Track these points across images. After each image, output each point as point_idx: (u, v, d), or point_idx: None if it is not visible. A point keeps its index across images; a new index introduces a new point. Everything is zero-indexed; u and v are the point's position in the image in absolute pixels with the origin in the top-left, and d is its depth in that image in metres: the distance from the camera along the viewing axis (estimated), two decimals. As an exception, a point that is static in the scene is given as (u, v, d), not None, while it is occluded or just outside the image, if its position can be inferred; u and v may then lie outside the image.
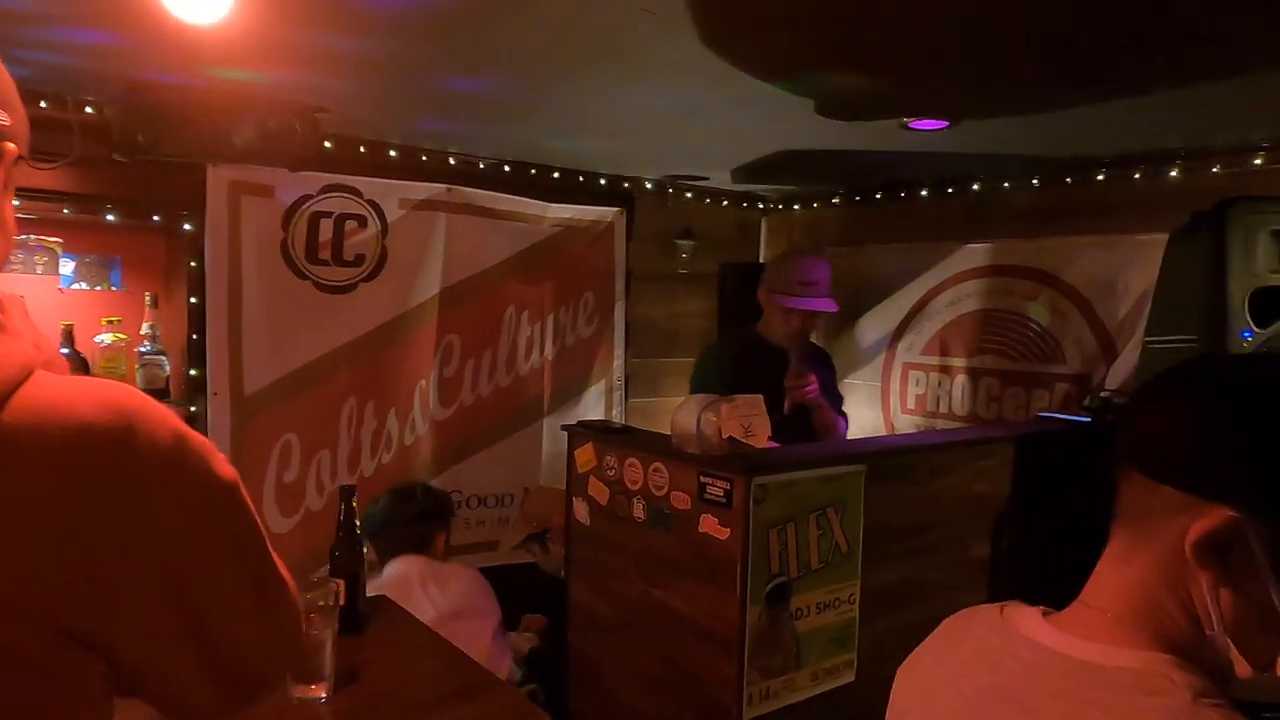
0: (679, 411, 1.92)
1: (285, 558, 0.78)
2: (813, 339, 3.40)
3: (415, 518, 2.39)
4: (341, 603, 1.55)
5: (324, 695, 1.43)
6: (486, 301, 3.36)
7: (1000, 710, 0.76)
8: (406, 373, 3.17)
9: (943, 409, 3.61)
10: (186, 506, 0.66)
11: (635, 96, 2.38)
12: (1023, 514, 2.39)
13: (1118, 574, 0.76)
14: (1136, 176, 3.01)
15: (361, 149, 3.00)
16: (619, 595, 2.13)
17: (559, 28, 1.84)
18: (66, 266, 2.76)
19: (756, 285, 2.93)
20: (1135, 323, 2.95)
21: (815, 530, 1.90)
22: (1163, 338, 2.40)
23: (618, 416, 3.74)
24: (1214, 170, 2.80)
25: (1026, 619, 0.80)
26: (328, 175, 2.91)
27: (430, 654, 1.69)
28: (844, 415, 3.01)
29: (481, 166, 3.30)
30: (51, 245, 2.73)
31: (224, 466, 0.70)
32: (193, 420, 2.70)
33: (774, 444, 2.00)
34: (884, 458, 2.09)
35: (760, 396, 1.89)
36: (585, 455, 2.22)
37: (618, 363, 3.79)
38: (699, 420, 1.84)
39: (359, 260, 3.02)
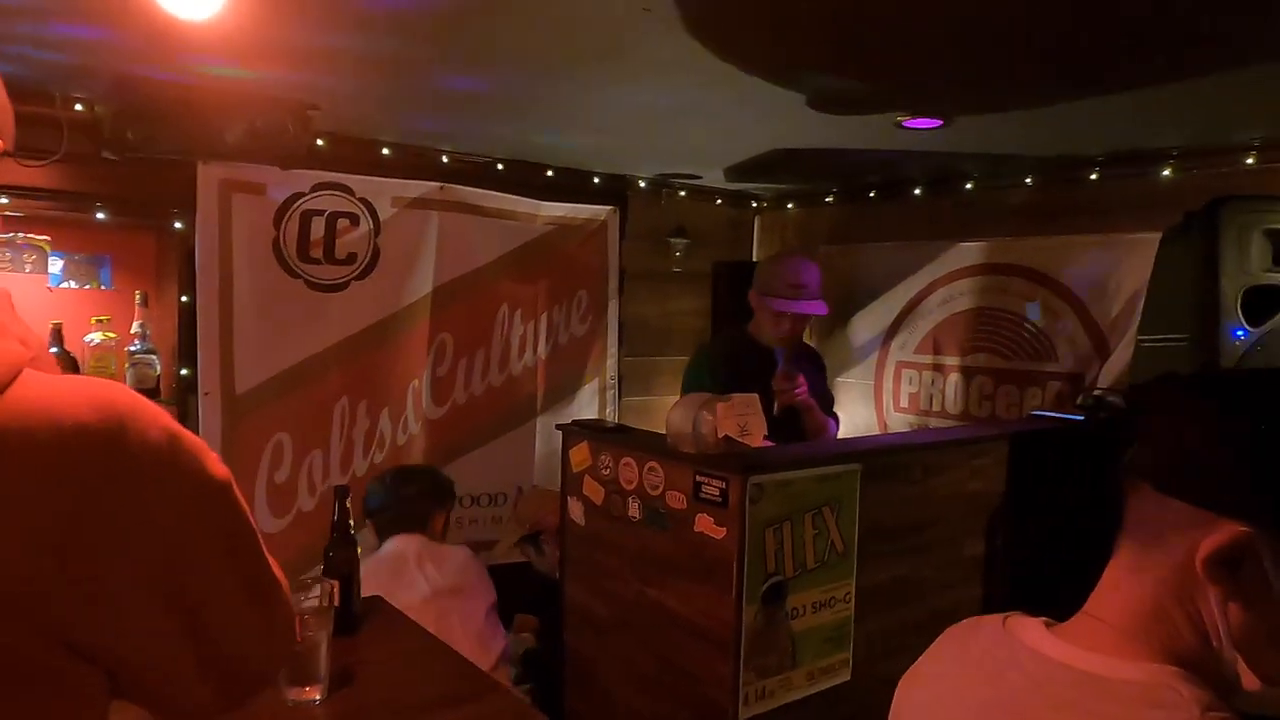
0: (674, 410, 1.91)
1: (277, 558, 0.78)
2: (805, 339, 3.41)
3: (414, 497, 2.40)
4: (336, 604, 1.54)
5: (318, 698, 1.42)
6: (479, 300, 3.35)
7: None
8: (399, 372, 3.15)
9: (936, 407, 3.62)
10: (179, 505, 0.65)
11: (629, 95, 2.37)
12: (1017, 512, 2.40)
13: (1124, 586, 0.76)
14: (1129, 176, 3.02)
15: (353, 147, 2.98)
16: (614, 595, 2.12)
17: (554, 26, 1.83)
18: (55, 265, 2.74)
19: (749, 284, 2.92)
20: (1128, 321, 2.96)
21: (811, 529, 1.90)
22: (1156, 336, 2.40)
23: (611, 415, 3.74)
24: (1206, 170, 2.81)
25: (1030, 630, 0.80)
26: (319, 173, 2.89)
27: (426, 655, 1.68)
28: (835, 416, 3.01)
29: (474, 164, 3.29)
30: (40, 243, 2.70)
31: (217, 466, 0.70)
32: (183, 420, 2.68)
33: (769, 443, 1.99)
34: (879, 456, 2.09)
35: (756, 395, 1.88)
36: (580, 454, 2.21)
37: (611, 361, 3.78)
38: (695, 419, 1.83)
39: (351, 259, 3.00)
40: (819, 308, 2.81)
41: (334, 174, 2.93)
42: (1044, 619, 0.81)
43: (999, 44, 1.89)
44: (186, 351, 2.76)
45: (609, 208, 3.69)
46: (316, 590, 1.46)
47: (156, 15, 1.70)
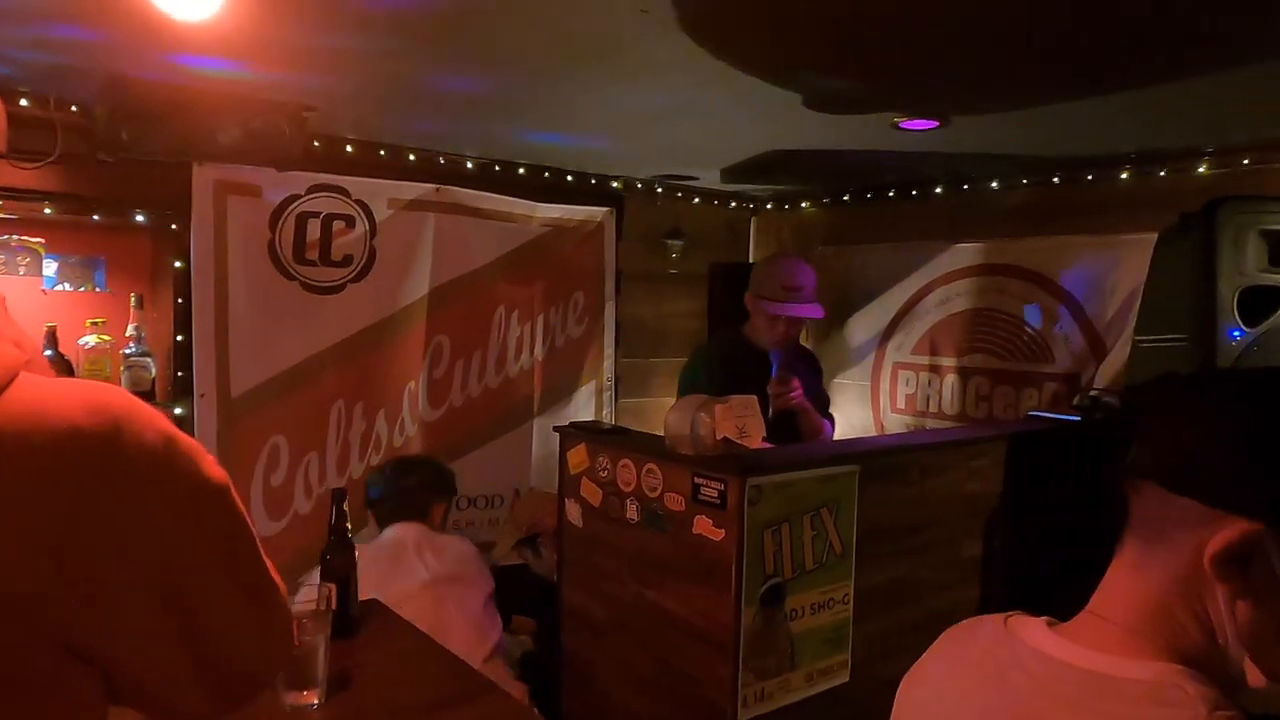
0: (673, 412, 1.91)
1: (273, 561, 0.78)
2: (802, 341, 3.40)
3: (414, 487, 2.41)
4: (333, 607, 1.53)
5: (316, 702, 1.42)
6: (476, 302, 3.34)
7: None
8: (395, 374, 3.15)
9: (932, 408, 3.62)
10: (176, 507, 0.65)
11: (626, 96, 2.37)
12: (1014, 513, 2.40)
13: (1129, 584, 0.75)
14: (1124, 176, 3.03)
15: (349, 148, 2.97)
16: (613, 597, 2.12)
17: (551, 27, 1.83)
18: (49, 267, 2.72)
19: (746, 286, 2.92)
20: (1124, 322, 2.97)
21: (810, 531, 1.90)
22: (1152, 337, 2.41)
23: (608, 417, 3.73)
24: (1201, 170, 2.82)
25: (1032, 630, 0.79)
26: (315, 175, 2.89)
27: (423, 657, 1.68)
28: (830, 418, 3.01)
29: (470, 166, 3.28)
30: (34, 246, 2.69)
31: (214, 468, 0.70)
32: (179, 422, 2.66)
33: (768, 445, 1.99)
34: (877, 458, 2.09)
35: (754, 397, 1.88)
36: (578, 456, 2.20)
37: (608, 363, 3.78)
38: (693, 421, 1.83)
39: (347, 261, 3.00)
40: (814, 310, 2.81)
41: (330, 176, 2.92)
42: (1046, 618, 0.80)
43: (997, 45, 1.90)
44: (182, 354, 2.74)
45: (605, 209, 3.68)
46: (302, 594, 1.45)
47: (152, 16, 1.69)
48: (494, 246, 3.36)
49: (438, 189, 3.15)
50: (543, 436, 3.51)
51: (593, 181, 3.67)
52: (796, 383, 2.70)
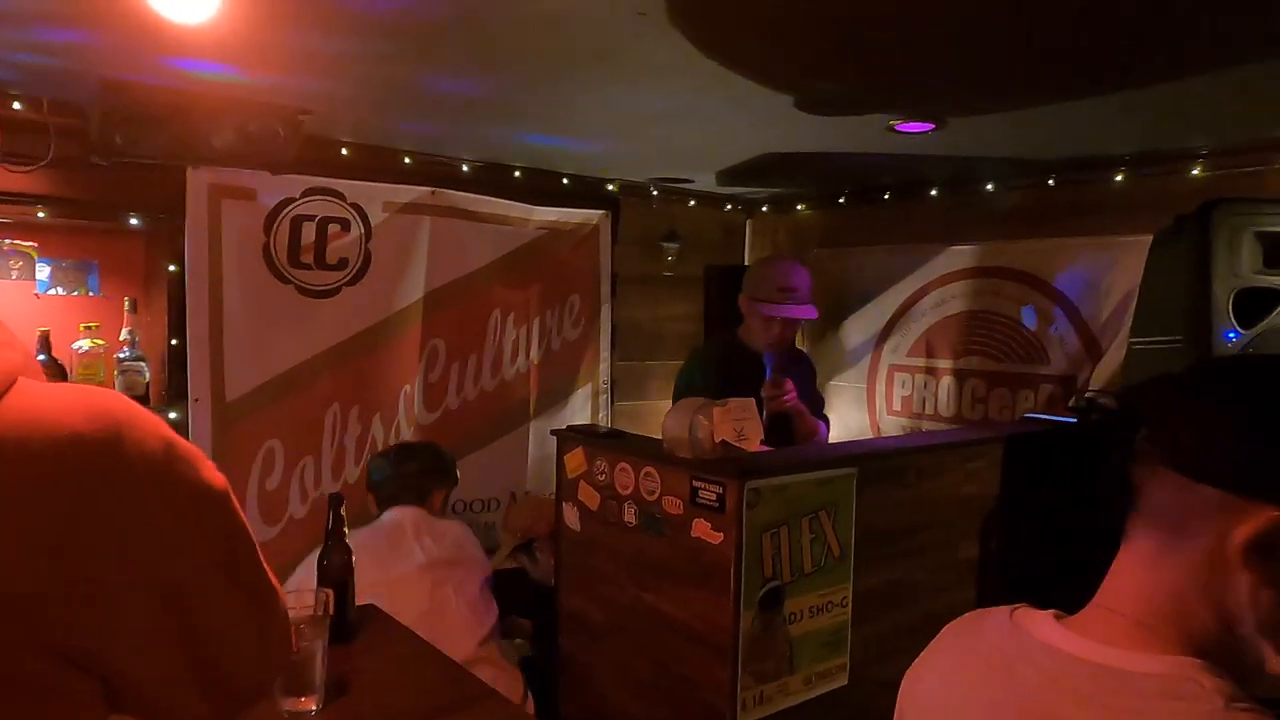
0: (671, 415, 1.91)
1: (269, 566, 0.78)
2: (798, 343, 3.40)
3: (415, 473, 2.43)
4: (331, 612, 1.52)
5: (314, 708, 1.41)
6: (471, 305, 3.33)
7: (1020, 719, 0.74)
8: (391, 378, 3.14)
9: (928, 410, 3.63)
10: (176, 510, 0.65)
11: (622, 98, 2.37)
12: (1010, 514, 2.40)
13: (1141, 576, 0.75)
14: (1119, 178, 3.03)
15: (344, 151, 2.96)
16: (611, 601, 2.11)
17: (548, 29, 1.82)
18: (42, 271, 2.71)
19: (741, 288, 2.92)
20: (1119, 323, 2.98)
21: (808, 534, 1.90)
22: (1147, 338, 2.41)
23: (604, 420, 3.73)
24: (1196, 172, 2.83)
25: (1040, 623, 0.78)
26: (310, 178, 2.87)
27: (421, 663, 1.67)
28: (825, 419, 3.01)
29: (466, 169, 3.27)
30: (27, 250, 2.67)
31: (213, 474, 0.70)
32: (174, 427, 2.63)
33: (765, 448, 1.99)
34: (875, 460, 2.09)
35: (752, 400, 1.88)
36: (575, 460, 2.20)
37: (604, 366, 3.77)
38: (691, 424, 1.83)
39: (342, 264, 2.99)
40: (809, 312, 2.81)
41: (325, 179, 2.91)
42: (1053, 611, 0.80)
43: (994, 46, 1.90)
44: (176, 358, 2.73)
45: (601, 212, 3.68)
46: (291, 600, 1.44)
47: (148, 19, 1.68)
48: (489, 250, 3.35)
49: (433, 192, 3.14)
50: (539, 440, 3.51)
51: (588, 185, 3.66)
52: (790, 385, 2.70)
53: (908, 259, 3.68)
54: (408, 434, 3.17)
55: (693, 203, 4.10)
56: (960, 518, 2.31)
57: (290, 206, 2.85)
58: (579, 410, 3.68)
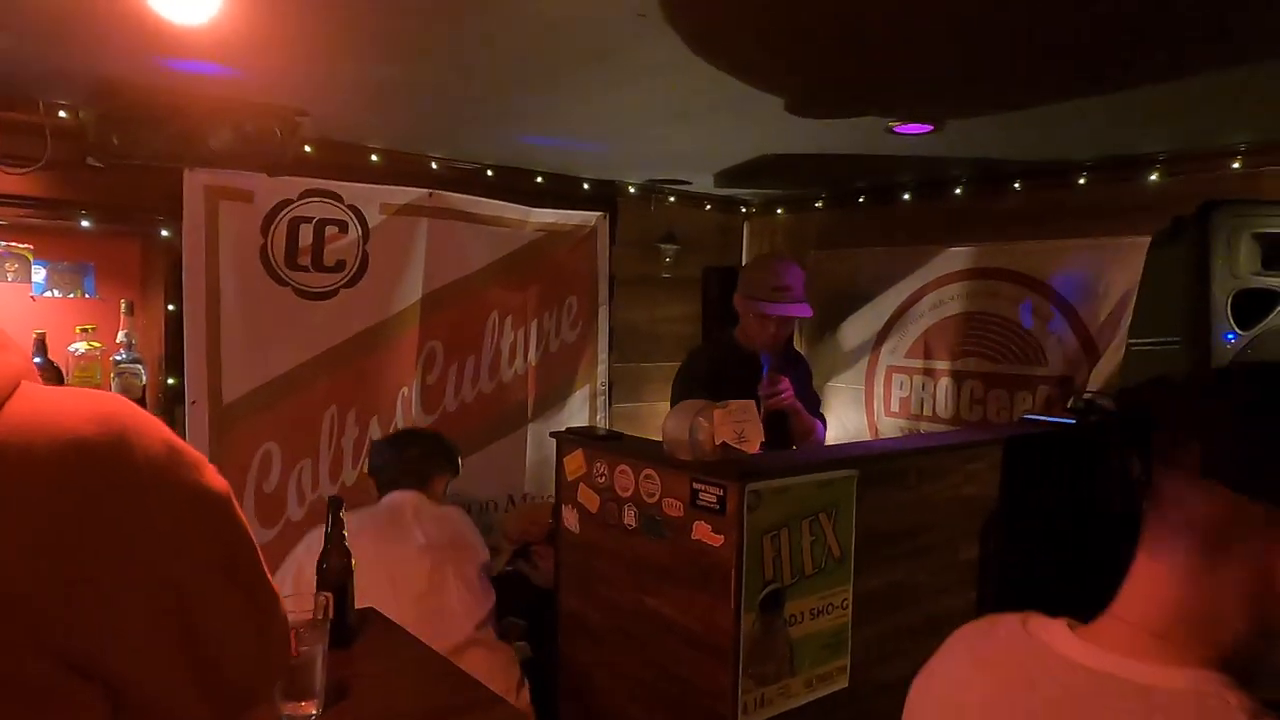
0: (671, 418, 1.90)
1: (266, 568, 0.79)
2: (796, 344, 3.40)
3: (416, 457, 2.45)
4: (330, 616, 1.51)
5: (314, 712, 1.40)
6: (469, 307, 3.33)
7: None
8: (388, 380, 3.13)
9: (927, 412, 3.63)
10: (178, 514, 0.66)
11: (621, 99, 2.36)
12: (1010, 516, 2.40)
13: (1166, 587, 0.73)
14: (1117, 180, 3.04)
15: (342, 153, 2.96)
16: (611, 603, 2.11)
17: (547, 30, 1.82)
18: (38, 273, 2.70)
19: (736, 288, 2.92)
20: (1117, 325, 2.98)
21: (808, 536, 1.89)
22: (1146, 340, 2.41)
23: (602, 421, 3.72)
24: (1194, 174, 2.84)
25: (1055, 634, 0.77)
26: (307, 180, 2.87)
27: (421, 667, 1.66)
28: (821, 418, 3.00)
29: (464, 170, 3.27)
30: (22, 252, 2.66)
31: (215, 478, 0.71)
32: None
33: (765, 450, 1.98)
34: (875, 462, 2.09)
35: (753, 402, 1.88)
36: (575, 462, 2.19)
37: (601, 368, 3.77)
38: (691, 426, 1.82)
39: (339, 266, 2.98)
40: (803, 310, 2.80)
41: (322, 181, 2.90)
42: (1066, 620, 0.78)
43: (994, 47, 1.90)
44: (173, 361, 2.72)
45: (598, 214, 3.68)
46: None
47: (147, 19, 1.67)
48: (487, 251, 3.35)
49: (431, 194, 3.14)
50: (537, 442, 3.50)
51: (586, 186, 3.66)
52: (786, 382, 2.70)
53: (906, 260, 3.68)
54: (406, 436, 3.16)
55: (690, 204, 4.10)
56: (960, 519, 2.31)
57: (288, 208, 2.84)
58: (577, 412, 3.68)
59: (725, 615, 1.79)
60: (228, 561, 0.71)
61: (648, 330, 4.04)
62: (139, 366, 2.70)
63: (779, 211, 4.30)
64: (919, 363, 3.65)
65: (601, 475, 2.10)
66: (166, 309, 2.72)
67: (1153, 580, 0.75)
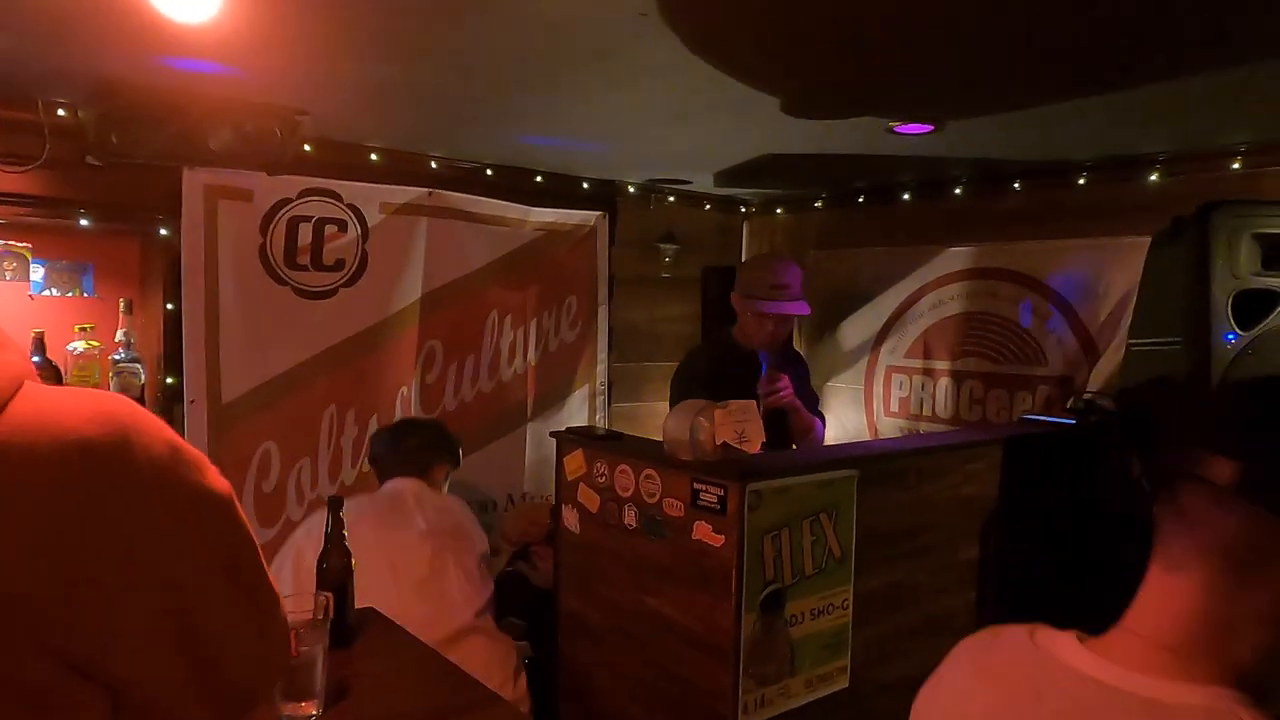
0: (672, 417, 1.90)
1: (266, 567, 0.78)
2: (795, 344, 3.40)
3: (417, 446, 2.45)
4: (330, 616, 1.51)
5: (315, 712, 1.40)
6: (468, 306, 3.33)
7: None
8: (388, 379, 3.12)
9: (926, 411, 3.63)
10: (179, 514, 0.66)
11: (620, 99, 2.36)
12: (1009, 516, 2.40)
13: (1185, 602, 0.72)
14: (1117, 180, 3.04)
15: (341, 152, 2.95)
16: (611, 604, 2.10)
17: (547, 30, 1.82)
18: (37, 272, 2.69)
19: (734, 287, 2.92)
20: (1116, 325, 2.98)
21: (809, 536, 1.89)
22: (1146, 340, 2.42)
23: (601, 421, 3.72)
24: (1194, 174, 2.84)
25: (1065, 647, 0.76)
26: (307, 179, 2.86)
27: (421, 667, 1.66)
28: (820, 415, 3.00)
29: (463, 170, 3.27)
30: (21, 250, 2.66)
31: (217, 479, 0.71)
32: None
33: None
34: (875, 462, 2.08)
35: (754, 402, 1.87)
36: (575, 462, 2.19)
37: (601, 367, 3.77)
38: (692, 426, 1.82)
39: (339, 265, 2.97)
40: (801, 308, 2.80)
41: (322, 180, 2.90)
42: (1075, 632, 0.77)
43: (995, 48, 1.90)
44: (171, 360, 2.71)
45: (598, 213, 3.68)
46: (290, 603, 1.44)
47: (148, 17, 1.67)
48: (486, 251, 3.34)
49: (430, 193, 3.13)
50: (536, 441, 3.50)
51: (585, 186, 3.66)
52: (786, 380, 2.70)
53: (905, 260, 3.68)
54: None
55: (690, 204, 4.09)
56: (960, 519, 2.31)
57: (287, 207, 2.84)
58: (576, 412, 3.68)
59: (726, 615, 1.79)
60: (229, 562, 0.71)
61: (647, 330, 4.04)
62: (138, 366, 2.70)
63: (779, 211, 4.30)
64: (919, 363, 3.65)
65: (602, 475, 2.10)
66: (165, 308, 2.71)
67: (1169, 595, 0.73)
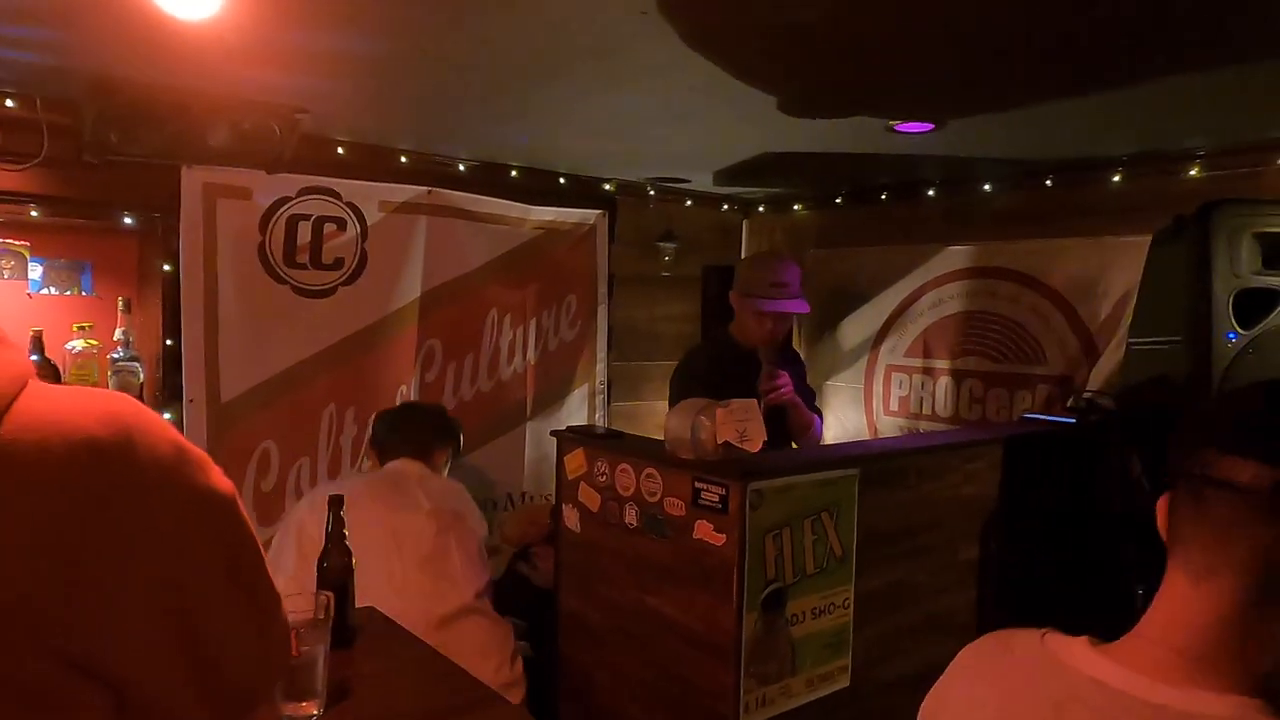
0: (673, 416, 1.90)
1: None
2: (795, 344, 3.39)
3: (418, 429, 2.45)
4: (331, 616, 1.51)
5: (316, 712, 1.39)
6: (468, 305, 3.32)
7: None
8: (387, 378, 3.12)
9: (926, 411, 3.63)
10: (182, 514, 0.65)
11: (620, 98, 2.36)
12: (1010, 515, 2.40)
13: (1209, 613, 0.70)
14: (1118, 179, 3.04)
15: (340, 150, 2.94)
16: (611, 603, 2.10)
17: (548, 28, 1.81)
18: (35, 271, 2.68)
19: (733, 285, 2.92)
20: (1116, 324, 2.98)
21: (810, 535, 1.89)
22: (1147, 339, 2.41)
23: (600, 420, 3.72)
24: (1195, 173, 2.84)
25: (1079, 654, 0.75)
26: (306, 177, 2.86)
27: (422, 666, 1.65)
28: (818, 412, 3.00)
29: (462, 168, 3.26)
30: (19, 249, 2.65)
31: (221, 479, 0.70)
32: (168, 428, 2.63)
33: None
34: (876, 461, 2.08)
35: (755, 401, 1.87)
36: (575, 461, 2.19)
37: (600, 366, 3.77)
38: (693, 425, 1.82)
39: (338, 264, 2.97)
40: (800, 306, 2.80)
41: (321, 178, 2.89)
42: (1087, 638, 0.76)
43: (995, 47, 1.89)
44: (170, 359, 2.71)
45: (598, 212, 3.67)
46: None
47: (148, 15, 1.66)
48: (486, 249, 3.34)
49: (429, 191, 3.13)
50: (536, 440, 3.50)
51: (585, 184, 3.65)
52: (786, 377, 2.69)
53: (905, 259, 3.68)
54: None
55: (690, 203, 4.09)
56: (960, 519, 2.31)
57: (286, 206, 2.83)
58: (576, 411, 3.67)
59: (727, 615, 1.79)
60: (230, 562, 0.71)
61: (647, 329, 4.03)
62: (136, 364, 2.69)
63: (778, 210, 4.29)
64: (918, 362, 3.65)
65: (603, 474, 2.10)
66: (164, 307, 2.71)
67: (1194, 605, 0.71)
